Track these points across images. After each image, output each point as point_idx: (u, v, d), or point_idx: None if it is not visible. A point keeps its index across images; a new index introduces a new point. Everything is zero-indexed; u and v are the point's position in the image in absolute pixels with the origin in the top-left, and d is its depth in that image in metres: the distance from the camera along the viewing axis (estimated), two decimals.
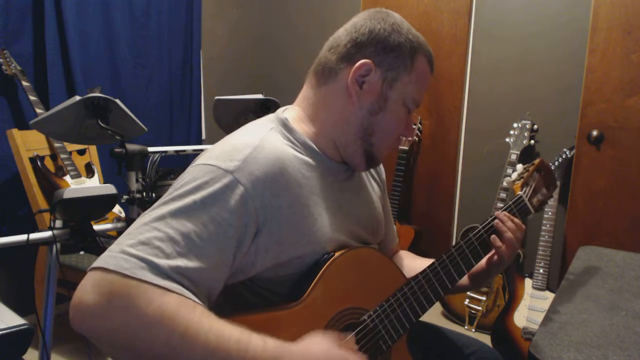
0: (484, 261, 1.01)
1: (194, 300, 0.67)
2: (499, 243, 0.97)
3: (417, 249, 2.64)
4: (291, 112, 0.90)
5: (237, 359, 0.65)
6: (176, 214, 0.69)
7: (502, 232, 0.98)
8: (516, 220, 1.00)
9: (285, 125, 0.86)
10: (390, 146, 0.91)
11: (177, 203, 0.71)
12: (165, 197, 0.73)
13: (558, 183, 2.19)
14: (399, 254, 1.16)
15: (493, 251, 0.99)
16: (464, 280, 1.03)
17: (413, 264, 1.10)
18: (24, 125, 2.11)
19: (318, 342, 0.73)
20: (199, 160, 0.78)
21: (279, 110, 0.91)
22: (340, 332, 0.82)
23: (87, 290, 0.64)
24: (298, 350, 0.70)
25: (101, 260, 0.65)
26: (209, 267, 0.69)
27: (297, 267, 0.81)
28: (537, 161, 1.14)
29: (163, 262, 0.65)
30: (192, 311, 0.65)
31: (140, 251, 0.65)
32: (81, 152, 2.28)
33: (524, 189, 1.09)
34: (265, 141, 0.80)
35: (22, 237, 1.27)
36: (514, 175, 1.12)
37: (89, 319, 0.63)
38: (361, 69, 0.83)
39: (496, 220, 0.99)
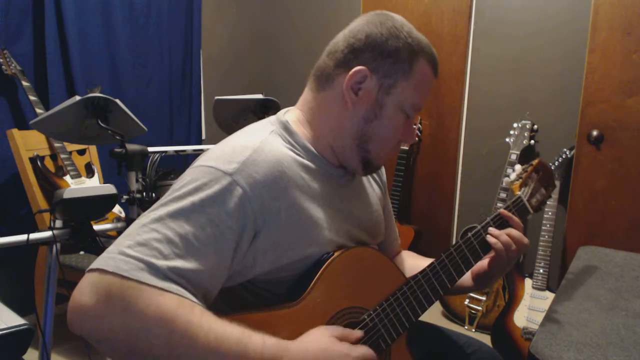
0: (485, 262, 0.99)
1: (192, 301, 0.66)
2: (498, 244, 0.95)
3: (417, 249, 2.63)
4: (292, 115, 0.89)
5: (237, 358, 0.65)
6: (175, 215, 0.69)
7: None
8: (514, 232, 0.97)
9: (286, 127, 0.86)
10: (389, 152, 0.89)
11: (176, 204, 0.70)
12: (164, 198, 0.73)
13: (557, 183, 2.19)
14: (402, 254, 1.16)
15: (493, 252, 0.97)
16: (468, 281, 1.02)
17: (416, 263, 1.09)
18: (24, 125, 2.11)
19: (317, 340, 0.73)
20: (198, 162, 0.78)
21: (280, 112, 0.91)
22: None
23: (85, 292, 0.63)
24: (297, 348, 0.70)
25: (99, 262, 0.65)
26: (207, 269, 0.69)
27: (295, 269, 0.80)
28: (535, 161, 1.14)
29: (161, 263, 0.65)
30: (191, 311, 0.65)
31: (138, 252, 0.65)
32: (81, 152, 2.28)
33: (523, 189, 1.08)
34: (265, 144, 0.79)
35: (22, 237, 1.27)
36: (513, 176, 1.12)
37: (87, 320, 0.63)
38: (356, 76, 0.82)
39: (489, 235, 0.96)
